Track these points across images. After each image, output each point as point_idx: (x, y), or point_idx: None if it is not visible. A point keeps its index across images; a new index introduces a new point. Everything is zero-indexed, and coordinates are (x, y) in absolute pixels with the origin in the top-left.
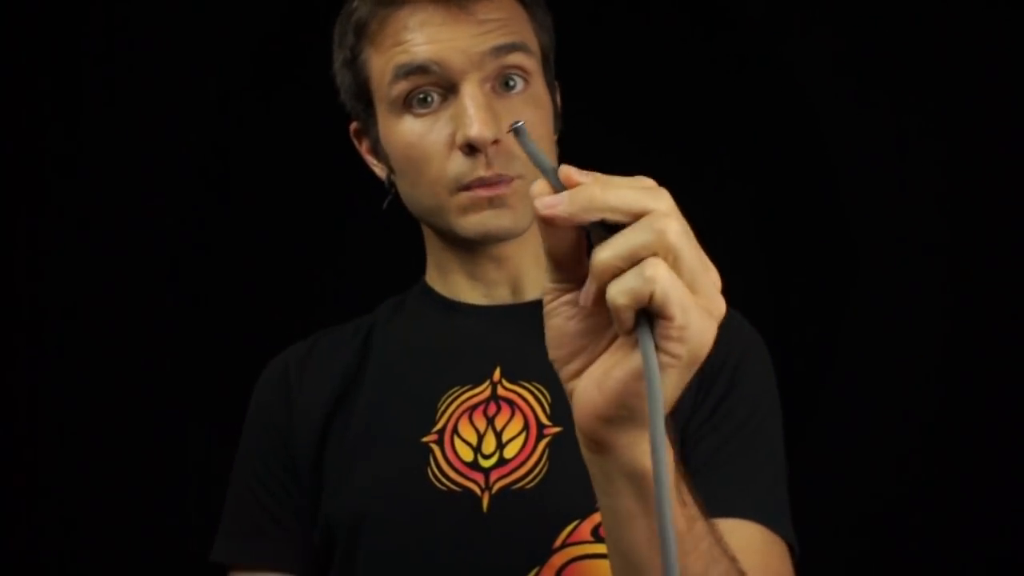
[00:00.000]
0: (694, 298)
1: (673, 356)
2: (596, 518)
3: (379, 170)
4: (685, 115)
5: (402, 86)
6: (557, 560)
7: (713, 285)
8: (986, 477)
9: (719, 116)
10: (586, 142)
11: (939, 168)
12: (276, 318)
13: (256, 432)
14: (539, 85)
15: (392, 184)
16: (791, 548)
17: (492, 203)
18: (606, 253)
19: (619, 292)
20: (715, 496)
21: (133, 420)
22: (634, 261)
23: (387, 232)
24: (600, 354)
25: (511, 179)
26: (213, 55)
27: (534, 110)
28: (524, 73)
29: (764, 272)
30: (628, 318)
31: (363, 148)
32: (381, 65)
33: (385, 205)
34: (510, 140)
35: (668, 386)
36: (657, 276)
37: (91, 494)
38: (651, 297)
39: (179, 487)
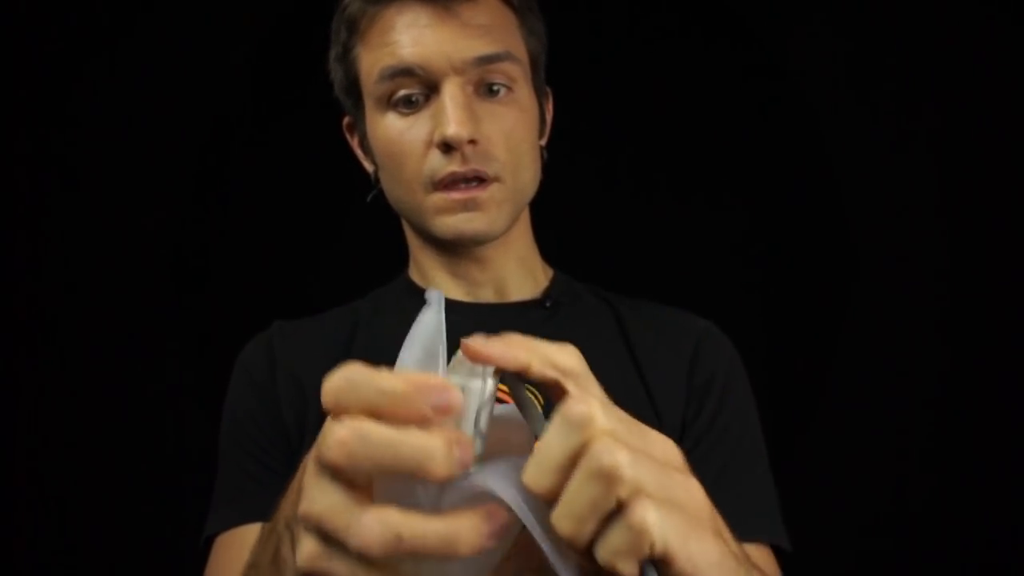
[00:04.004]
0: (686, 518)
1: None
2: None
3: (367, 164)
4: (684, 121)
5: (387, 86)
6: None
7: (683, 486)
8: (986, 478)
9: (719, 123)
10: (583, 147)
11: (939, 171)
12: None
13: (241, 391)
14: (524, 91)
15: (378, 179)
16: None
17: (466, 206)
18: (568, 523)
19: (613, 555)
20: (732, 518)
21: (127, 416)
22: (605, 516)
23: (384, 226)
24: None
25: (487, 181)
26: (211, 57)
27: (517, 115)
28: (508, 80)
29: (764, 274)
30: (634, 572)
31: (354, 142)
32: (369, 63)
33: (369, 199)
34: (487, 141)
35: None
36: (647, 524)
37: (89, 493)
38: (651, 550)
39: (174, 481)
